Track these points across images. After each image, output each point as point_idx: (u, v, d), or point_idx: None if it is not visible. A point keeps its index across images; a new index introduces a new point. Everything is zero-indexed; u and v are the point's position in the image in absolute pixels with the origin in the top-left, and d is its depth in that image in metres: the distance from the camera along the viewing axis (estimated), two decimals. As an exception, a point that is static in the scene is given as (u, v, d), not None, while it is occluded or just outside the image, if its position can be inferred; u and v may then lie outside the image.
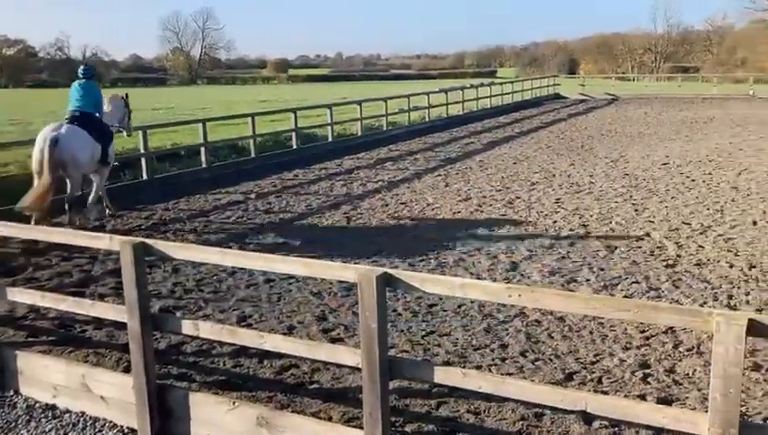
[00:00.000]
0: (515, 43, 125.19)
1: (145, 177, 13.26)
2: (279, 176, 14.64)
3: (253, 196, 12.53)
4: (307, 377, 5.13)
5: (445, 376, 3.68)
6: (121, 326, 5.05)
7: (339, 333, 5.98)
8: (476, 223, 9.99)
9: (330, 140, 19.32)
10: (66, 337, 5.97)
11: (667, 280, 7.22)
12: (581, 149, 18.03)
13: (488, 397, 4.50)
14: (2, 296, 5.59)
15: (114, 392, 4.74)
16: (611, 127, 23.31)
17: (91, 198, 10.24)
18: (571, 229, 9.47)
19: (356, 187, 13.35)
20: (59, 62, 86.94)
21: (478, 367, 5.23)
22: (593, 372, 5.13)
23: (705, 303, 6.53)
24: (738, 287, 6.94)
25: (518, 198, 11.79)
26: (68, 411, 4.95)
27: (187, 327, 4.52)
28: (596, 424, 4.31)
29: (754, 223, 9.57)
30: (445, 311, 6.45)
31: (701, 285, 7.05)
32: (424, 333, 5.96)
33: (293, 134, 17.95)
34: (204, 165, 14.91)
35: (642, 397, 4.72)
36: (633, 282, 7.20)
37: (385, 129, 22.27)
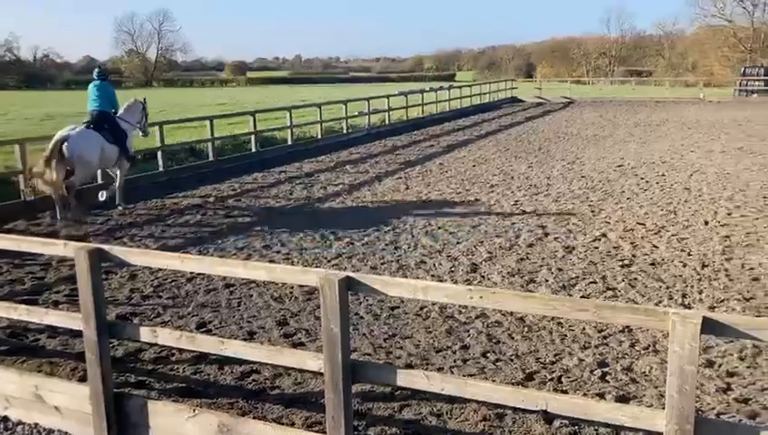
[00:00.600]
0: (473, 46, 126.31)
1: (100, 181, 12.97)
2: (238, 179, 14.50)
3: (212, 200, 12.38)
4: (269, 383, 5.09)
5: (407, 379, 3.68)
6: (77, 335, 4.93)
7: (300, 338, 5.94)
8: (438, 225, 10.04)
9: (289, 143, 19.21)
10: (18, 347, 5.81)
11: (623, 280, 7.37)
12: (539, 151, 18.29)
13: (451, 399, 4.53)
14: (-50, 306, 5.39)
15: (69, 403, 4.61)
16: (567, 130, 23.71)
17: (117, 185, 11.56)
18: (529, 230, 9.59)
19: (316, 190, 13.29)
20: (8, 63, 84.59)
21: (440, 369, 5.26)
22: (553, 372, 5.20)
23: (660, 302, 6.69)
24: (692, 286, 7.13)
25: (477, 200, 11.90)
26: (21, 423, 4.80)
27: (145, 334, 4.43)
28: (557, 423, 4.37)
29: (706, 223, 9.84)
30: (407, 313, 6.46)
31: (656, 284, 7.22)
32: (386, 335, 5.96)
33: (252, 137, 17.79)
34: (161, 169, 14.66)
35: (601, 395, 4.81)
36: (591, 282, 7.33)
37: (345, 132, 22.26)
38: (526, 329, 6.04)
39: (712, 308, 6.47)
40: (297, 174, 15.30)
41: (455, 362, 5.42)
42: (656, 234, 9.30)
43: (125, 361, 5.49)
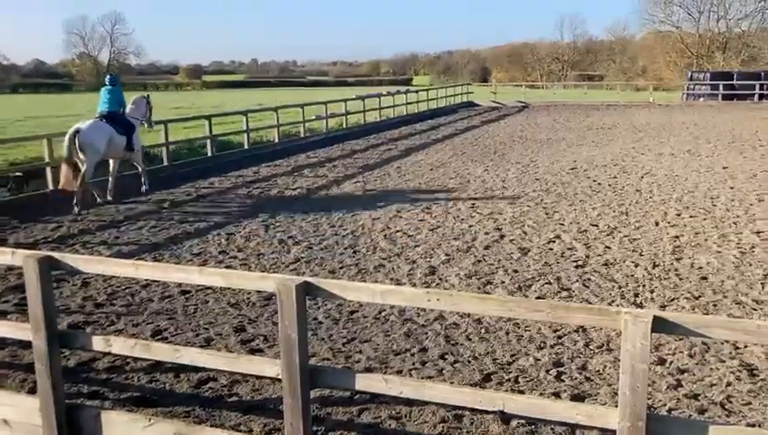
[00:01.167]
0: (429, 51, 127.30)
1: (50, 187, 12.64)
2: (194, 184, 14.30)
3: (167, 205, 12.18)
4: (226, 390, 5.03)
5: (366, 383, 3.69)
6: (26, 345, 4.80)
7: (258, 344, 5.89)
8: (395, 228, 10.08)
9: (246, 147, 19.04)
10: (-36, 359, 5.62)
11: (577, 280, 7.52)
12: (494, 154, 18.51)
13: (409, 401, 4.54)
14: None
15: (19, 415, 4.47)
16: (522, 133, 24.07)
17: (141, 171, 13.19)
18: (486, 233, 9.70)
19: (274, 194, 13.20)
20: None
21: (399, 372, 5.28)
22: (510, 372, 5.27)
23: (613, 301, 6.84)
24: (643, 286, 7.31)
25: (435, 203, 11.97)
26: (-33, 438, 4.65)
27: (98, 343, 4.33)
28: (514, 423, 4.43)
29: (656, 224, 10.10)
30: (365, 317, 6.47)
31: (609, 284, 7.38)
32: (345, 340, 5.96)
33: (208, 142, 17.58)
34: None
35: (557, 395, 4.89)
36: (546, 283, 7.45)
37: (303, 135, 22.16)
38: (484, 330, 6.11)
39: (663, 307, 6.64)
40: (254, 178, 15.18)
41: (413, 364, 5.45)
42: (608, 235, 9.50)
43: (77, 371, 5.36)
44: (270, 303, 6.69)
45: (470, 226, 10.20)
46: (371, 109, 27.92)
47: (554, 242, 9.17)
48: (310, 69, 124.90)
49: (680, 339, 5.71)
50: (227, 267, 8.17)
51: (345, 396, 4.81)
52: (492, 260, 8.37)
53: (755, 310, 6.52)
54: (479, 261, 8.35)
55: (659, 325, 3.07)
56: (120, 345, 4.30)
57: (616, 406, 3.22)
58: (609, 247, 8.84)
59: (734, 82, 40.00)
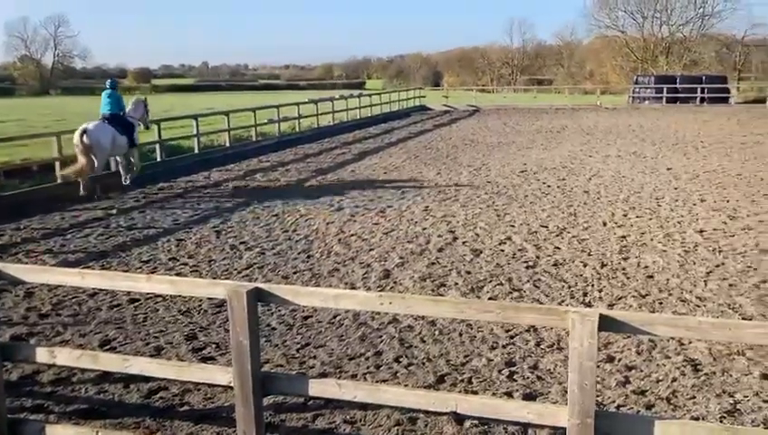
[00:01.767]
0: (382, 55, 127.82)
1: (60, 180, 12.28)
2: (142, 190, 14.01)
3: (114, 212, 11.90)
4: (177, 399, 4.94)
5: (320, 388, 3.67)
6: (-35, 359, 4.61)
7: (210, 352, 5.80)
8: (349, 232, 10.07)
9: (196, 151, 18.75)
10: None
11: (528, 281, 7.64)
12: (447, 158, 18.68)
13: (364, 405, 4.54)
14: None
15: (-42, 432, 4.31)
16: (474, 137, 24.35)
17: (131, 167, 14.50)
18: (439, 235, 9.77)
19: (225, 199, 13.04)
20: None
21: (354, 376, 5.27)
22: (463, 373, 5.32)
23: (563, 301, 6.97)
24: (592, 285, 7.47)
25: (389, 206, 12.01)
26: None
27: (42, 355, 4.20)
28: (467, 424, 4.46)
29: (604, 224, 10.34)
30: (320, 322, 6.44)
31: (559, 284, 7.52)
32: (299, 346, 5.92)
33: (157, 146, 17.25)
34: (59, 181, 13.96)
35: (509, 394, 4.96)
36: (498, 284, 7.55)
37: (254, 139, 21.96)
38: (437, 332, 6.15)
39: (611, 306, 6.80)
40: (205, 183, 14.96)
41: (368, 368, 5.45)
42: (557, 236, 9.68)
43: (20, 384, 5.19)
44: (222, 310, 6.60)
45: (424, 228, 10.26)
46: (324, 112, 27.85)
47: (506, 243, 9.30)
48: (262, 72, 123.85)
49: (628, 337, 5.85)
50: (178, 274, 8.03)
51: (299, 402, 4.78)
52: (445, 262, 8.44)
53: (699, 307, 6.73)
54: (433, 263, 8.40)
55: (606, 324, 3.14)
56: (66, 356, 4.19)
57: (566, 404, 3.28)
58: (558, 248, 9.01)
59: (678, 85, 41.31)
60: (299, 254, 8.97)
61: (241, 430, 3.63)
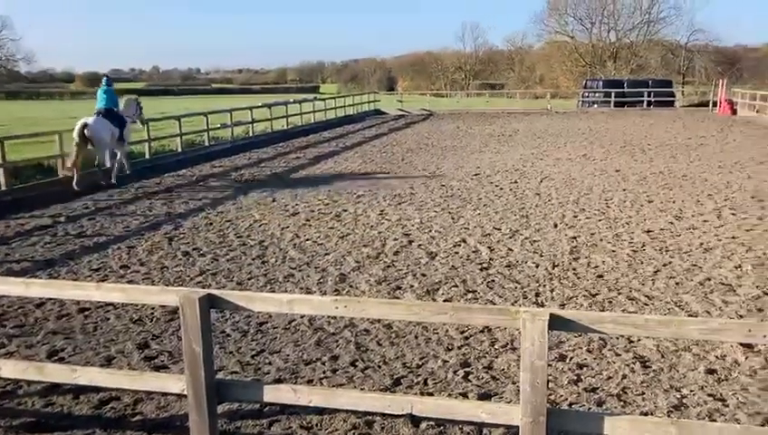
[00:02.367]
0: (336, 59, 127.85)
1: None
2: (91, 197, 13.69)
3: (62, 219, 11.60)
4: (129, 409, 4.84)
5: (275, 394, 3.66)
6: None
7: (163, 360, 5.71)
8: (305, 237, 10.03)
9: (147, 157, 18.42)
10: None
11: (482, 282, 7.73)
12: (402, 162, 18.76)
13: (321, 410, 4.54)
14: None
15: None
16: (428, 141, 24.52)
17: (116, 164, 15.21)
18: (395, 239, 9.82)
19: (177, 205, 12.84)
20: None
21: (310, 381, 5.25)
22: (419, 375, 5.35)
23: (516, 301, 7.08)
24: (544, 285, 7.60)
25: (345, 210, 12.01)
26: None
27: (-14, 368, 4.08)
28: (423, 425, 4.49)
29: (555, 225, 10.54)
30: (275, 328, 6.40)
31: (512, 285, 7.63)
32: (254, 352, 5.87)
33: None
34: (3, 187, 13.56)
35: (464, 395, 5.01)
36: (453, 286, 7.63)
37: (207, 144, 21.69)
38: (394, 335, 6.17)
39: (562, 305, 6.94)
40: (156, 189, 14.71)
41: (324, 373, 5.43)
42: (510, 237, 9.83)
43: (-37, 399, 5.01)
44: (175, 317, 6.48)
45: (379, 232, 10.29)
46: (279, 117, 27.69)
47: (460, 246, 9.40)
48: (215, 77, 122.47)
49: (579, 336, 5.98)
50: (129, 282, 7.88)
51: (254, 409, 4.74)
52: (401, 265, 8.48)
53: (647, 305, 6.91)
54: (389, 267, 8.44)
55: (556, 323, 3.22)
56: (11, 368, 4.07)
57: (519, 403, 3.34)
58: (511, 249, 9.15)
59: (625, 89, 42.37)
60: (253, 259, 8.89)
61: (195, 439, 3.58)
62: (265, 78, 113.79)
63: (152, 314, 6.78)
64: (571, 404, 4.88)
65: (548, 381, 4.87)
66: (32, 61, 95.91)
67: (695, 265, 8.23)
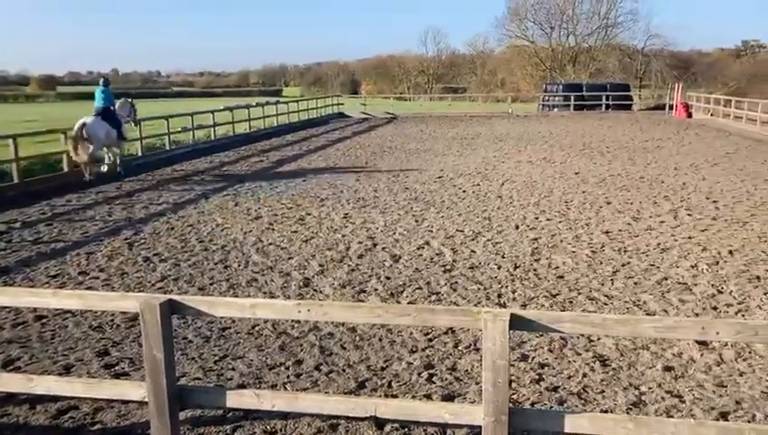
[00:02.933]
0: (299, 62, 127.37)
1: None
2: (49, 202, 13.39)
3: (18, 225, 11.32)
4: (89, 418, 4.75)
5: (238, 399, 3.63)
6: None
7: (124, 368, 5.61)
8: (268, 241, 9.97)
9: (107, 161, 18.05)
10: None
11: (445, 284, 7.79)
12: (366, 165, 18.79)
13: (285, 415, 4.52)
14: None
15: None
16: (392, 144, 24.60)
17: (118, 160, 17.05)
18: (359, 242, 9.82)
19: (138, 210, 12.64)
20: None
21: (273, 386, 5.22)
22: (383, 378, 5.37)
23: (479, 302, 7.15)
24: (506, 286, 7.69)
25: (309, 214, 11.97)
26: None
27: (-62, 379, 3.97)
28: (388, 428, 4.51)
29: (517, 227, 10.67)
30: (238, 333, 6.35)
31: (475, 286, 7.71)
32: (216, 358, 5.82)
33: (65, 156, 16.51)
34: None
35: (428, 396, 5.04)
36: (417, 288, 7.66)
37: (168, 148, 21.40)
38: (358, 338, 6.18)
39: (524, 306, 7.03)
40: (116, 194, 14.45)
41: (288, 377, 5.41)
42: (473, 239, 9.92)
43: None
44: (136, 324, 6.38)
45: (343, 235, 10.28)
46: (241, 120, 27.47)
47: (424, 248, 9.45)
48: (175, 80, 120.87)
49: (541, 335, 6.06)
50: (88, 289, 7.72)
51: (217, 415, 4.69)
52: (365, 269, 8.49)
53: (606, 304, 7.05)
54: (353, 270, 8.44)
55: (517, 323, 3.26)
56: (-36, 379, 3.96)
57: (482, 403, 3.37)
58: (474, 251, 9.23)
59: (584, 93, 43.09)
60: (216, 264, 8.80)
61: (156, 447, 3.54)
62: (227, 81, 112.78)
63: (112, 320, 6.67)
64: (533, 403, 4.94)
65: (510, 381, 4.93)
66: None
67: (652, 265, 8.42)
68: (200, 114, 24.37)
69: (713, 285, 7.59)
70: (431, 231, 10.51)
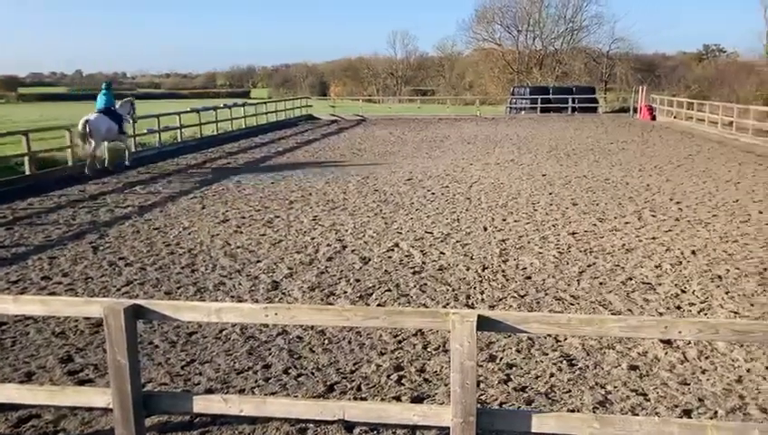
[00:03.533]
0: (267, 64, 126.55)
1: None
2: (9, 205, 13.09)
3: (-23, 230, 11.04)
4: (52, 426, 4.65)
5: (204, 404, 3.59)
6: None
7: (88, 374, 5.51)
8: (235, 244, 9.88)
9: (70, 163, 17.74)
10: None
11: (414, 286, 7.81)
12: (335, 167, 18.74)
13: (253, 419, 4.48)
14: None
15: None
16: (361, 146, 24.60)
17: (126, 154, 19.15)
18: (328, 245, 9.79)
19: (102, 213, 12.43)
20: None
21: (242, 391, 5.18)
22: (353, 381, 5.36)
23: (448, 304, 7.17)
24: (474, 287, 7.74)
25: (277, 217, 11.90)
26: None
27: None
28: (357, 431, 4.50)
29: (485, 229, 10.75)
30: (205, 338, 6.28)
31: (444, 287, 7.74)
32: (184, 363, 5.75)
33: (26, 159, 16.16)
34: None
35: (398, 398, 5.04)
36: (386, 290, 7.67)
37: (133, 150, 21.07)
38: (327, 341, 6.16)
39: (492, 307, 7.08)
40: (80, 197, 14.19)
41: (256, 382, 5.37)
42: (442, 241, 9.97)
43: None
44: (101, 329, 6.27)
45: (312, 238, 10.25)
46: (208, 122, 27.21)
47: (393, 250, 9.46)
48: (141, 81, 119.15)
49: (508, 336, 6.11)
50: (51, 294, 7.57)
51: (185, 421, 4.63)
52: (334, 271, 8.47)
53: (573, 304, 7.14)
54: (322, 273, 8.41)
55: (484, 324, 3.29)
56: None
57: (450, 404, 3.38)
58: (443, 253, 9.27)
59: (551, 96, 43.63)
60: (182, 268, 8.70)
61: (121, 454, 3.48)
62: (194, 82, 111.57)
63: (76, 326, 6.54)
64: (501, 404, 4.98)
65: (478, 382, 4.98)
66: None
67: (617, 266, 8.55)
68: (166, 116, 24.07)
69: (676, 285, 7.73)
70: (400, 233, 10.53)
